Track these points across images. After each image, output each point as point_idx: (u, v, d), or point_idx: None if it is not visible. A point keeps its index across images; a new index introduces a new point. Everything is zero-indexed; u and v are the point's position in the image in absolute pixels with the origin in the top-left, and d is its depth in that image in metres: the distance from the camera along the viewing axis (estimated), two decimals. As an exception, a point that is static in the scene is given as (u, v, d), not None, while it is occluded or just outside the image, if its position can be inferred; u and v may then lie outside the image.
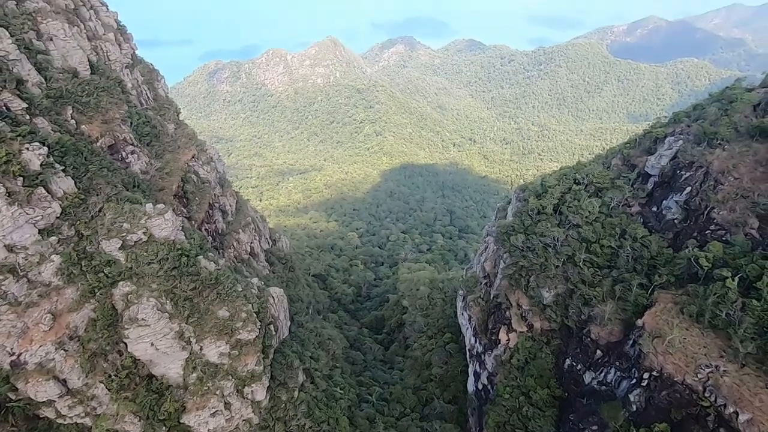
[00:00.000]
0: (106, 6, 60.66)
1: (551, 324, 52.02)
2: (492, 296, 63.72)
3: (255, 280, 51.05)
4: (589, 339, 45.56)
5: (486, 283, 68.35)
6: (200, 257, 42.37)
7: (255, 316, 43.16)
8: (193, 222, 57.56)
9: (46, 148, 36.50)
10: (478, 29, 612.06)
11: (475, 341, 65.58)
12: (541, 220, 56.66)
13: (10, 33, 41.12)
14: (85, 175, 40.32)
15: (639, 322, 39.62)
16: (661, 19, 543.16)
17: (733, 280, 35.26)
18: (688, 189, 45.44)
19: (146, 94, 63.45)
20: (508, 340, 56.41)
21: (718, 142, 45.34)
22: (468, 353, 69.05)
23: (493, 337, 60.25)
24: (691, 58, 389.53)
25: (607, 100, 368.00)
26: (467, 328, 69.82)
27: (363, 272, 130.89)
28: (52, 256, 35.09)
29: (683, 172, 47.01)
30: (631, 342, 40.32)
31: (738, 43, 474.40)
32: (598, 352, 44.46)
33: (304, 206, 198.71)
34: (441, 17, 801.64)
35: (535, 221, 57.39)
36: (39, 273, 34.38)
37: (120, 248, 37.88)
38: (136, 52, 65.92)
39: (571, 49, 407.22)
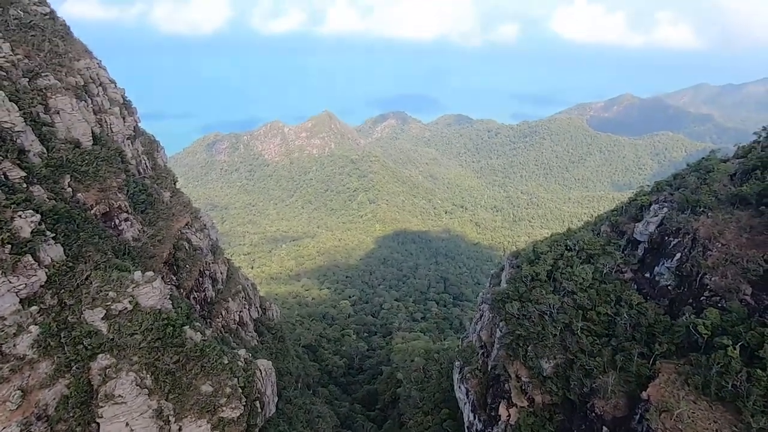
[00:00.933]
0: (115, 83, 64.23)
1: (553, 397, 49.43)
2: (490, 367, 61.11)
3: (242, 351, 48.80)
4: (593, 414, 43.11)
5: (483, 353, 65.88)
6: (186, 327, 40.79)
7: (240, 391, 40.62)
8: (182, 290, 56.22)
9: (39, 216, 36.48)
10: (466, 105, 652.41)
11: (474, 417, 61.68)
12: (535, 287, 56.15)
13: (19, 107, 42.93)
14: (75, 243, 39.94)
15: (644, 394, 37.83)
16: (635, 97, 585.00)
17: (735, 349, 34.39)
18: (678, 255, 45.90)
19: (145, 163, 65.07)
20: (509, 416, 53.14)
21: (701, 209, 46.73)
22: (467, 431, 64.58)
23: (493, 413, 56.78)
24: (667, 131, 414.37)
25: (591, 170, 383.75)
26: (465, 403, 65.99)
27: (355, 342, 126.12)
28: (30, 327, 33.57)
29: (671, 239, 47.79)
30: (638, 417, 38.18)
31: (707, 118, 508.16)
32: (605, 428, 41.86)
33: (297, 273, 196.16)
34: (431, 94, 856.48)
35: (530, 288, 56.86)
36: (14, 345, 32.63)
37: (103, 318, 36.47)
38: (139, 124, 68.69)
39: (554, 123, 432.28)
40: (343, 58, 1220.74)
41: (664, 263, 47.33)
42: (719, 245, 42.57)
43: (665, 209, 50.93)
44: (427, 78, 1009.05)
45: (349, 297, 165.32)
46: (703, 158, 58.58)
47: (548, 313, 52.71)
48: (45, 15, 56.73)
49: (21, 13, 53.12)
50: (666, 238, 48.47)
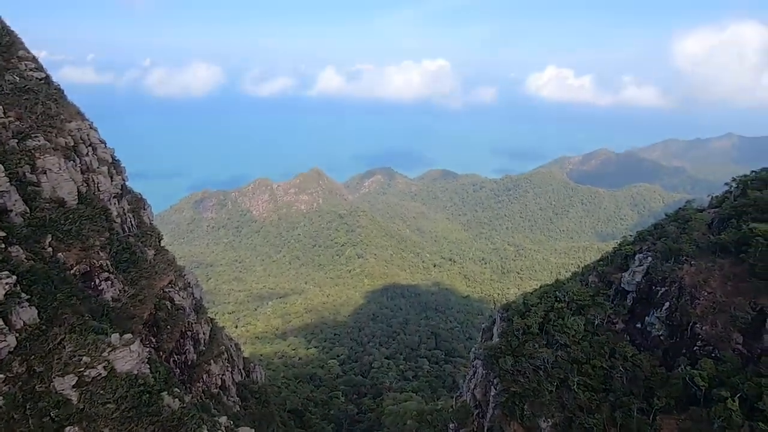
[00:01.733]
0: (105, 143, 65.06)
1: (554, 461, 46.77)
2: (486, 429, 58.06)
3: (223, 419, 45.73)
4: (597, 478, 40.74)
5: (478, 414, 62.84)
6: (164, 393, 38.36)
7: (219, 464, 37.57)
8: (161, 353, 53.55)
9: (14, 277, 35.23)
10: (450, 161, 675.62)
11: (472, 487, 57.56)
12: (528, 341, 55.06)
13: (5, 167, 42.92)
14: (51, 304, 38.31)
15: (648, 454, 36.16)
16: (610, 151, 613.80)
17: (734, 401, 33.58)
18: (667, 304, 45.99)
19: (131, 221, 64.45)
20: (509, 483, 49.80)
21: (684, 257, 47.58)
22: (465, 503, 59.97)
23: (492, 481, 53.17)
24: (643, 183, 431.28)
25: (575, 221, 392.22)
26: (462, 471, 61.84)
27: (344, 405, 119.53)
28: (-6, 398, 31.20)
29: (658, 288, 48.10)
30: (644, 480, 36.17)
31: (680, 171, 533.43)
32: (611, 494, 39.43)
33: (283, 332, 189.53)
34: (416, 151, 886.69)
35: (522, 341, 55.70)
36: (-27, 419, 30.12)
37: (74, 386, 34.16)
38: (127, 183, 68.83)
39: (536, 177, 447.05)
40: (331, 117, 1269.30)
41: (653, 313, 47.25)
42: (705, 293, 42.91)
43: (649, 258, 51.69)
44: (412, 136, 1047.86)
45: (338, 356, 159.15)
46: (680, 208, 60.60)
47: (543, 367, 51.28)
48: (40, 80, 58.44)
49: (17, 78, 54.71)
50: (653, 287, 48.79)
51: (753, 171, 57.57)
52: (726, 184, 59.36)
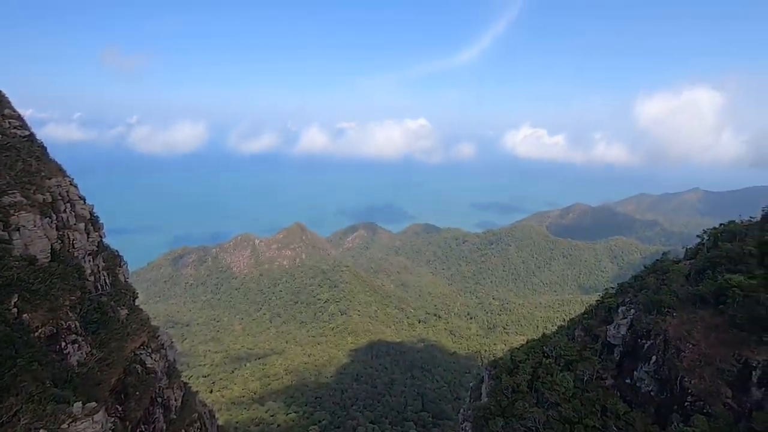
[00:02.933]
0: (84, 200, 64.24)
1: None
2: (478, 501, 54.19)
3: (192, 498, 41.66)
4: None
5: (469, 483, 58.85)
6: (127, 470, 34.99)
7: None
8: (128, 423, 49.45)
9: (-27, 341, 32.98)
10: (432, 215, 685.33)
11: None
12: (517, 400, 53.20)
13: (-23, 224, 41.65)
14: (9, 371, 35.64)
15: None
16: (586, 206, 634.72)
17: (731, 460, 32.53)
18: (654, 358, 45.61)
19: (105, 279, 62.17)
20: None
21: (666, 309, 47.99)
22: None
23: None
24: (620, 236, 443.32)
25: (557, 273, 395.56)
26: None
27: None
28: (-68, 482, 27.91)
29: (644, 341, 47.93)
30: None
31: (654, 224, 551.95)
32: None
33: (261, 396, 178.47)
34: (398, 206, 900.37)
35: (512, 401, 53.76)
36: None
37: (26, 464, 30.96)
38: (104, 239, 67.20)
39: (516, 230, 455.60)
40: (314, 174, 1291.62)
41: (642, 367, 46.67)
42: (690, 346, 42.87)
43: (632, 311, 51.95)
44: (394, 191, 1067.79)
45: (319, 422, 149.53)
46: (657, 260, 62.13)
47: (534, 428, 49.14)
48: (24, 137, 58.60)
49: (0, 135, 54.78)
50: (639, 340, 48.60)
51: (722, 224, 60.07)
52: (698, 236, 61.52)
